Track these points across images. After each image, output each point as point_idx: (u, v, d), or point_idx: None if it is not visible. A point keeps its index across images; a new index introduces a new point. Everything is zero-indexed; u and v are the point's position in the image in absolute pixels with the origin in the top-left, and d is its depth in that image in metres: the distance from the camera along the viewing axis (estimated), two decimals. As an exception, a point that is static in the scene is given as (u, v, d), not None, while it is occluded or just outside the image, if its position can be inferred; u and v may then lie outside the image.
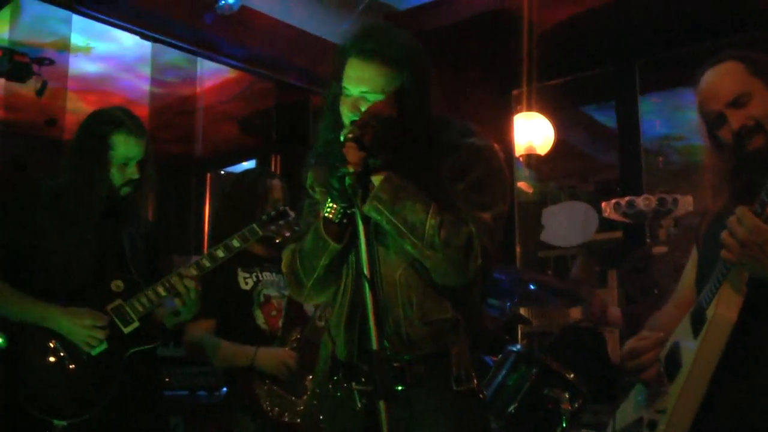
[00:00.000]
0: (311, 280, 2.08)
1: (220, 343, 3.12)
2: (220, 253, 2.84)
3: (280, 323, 3.22)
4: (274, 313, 3.24)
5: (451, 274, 1.97)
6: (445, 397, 2.00)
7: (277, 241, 3.02)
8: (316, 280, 2.08)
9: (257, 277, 3.26)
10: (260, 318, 3.21)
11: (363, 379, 1.97)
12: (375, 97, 1.98)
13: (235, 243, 2.87)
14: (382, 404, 1.70)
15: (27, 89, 5.17)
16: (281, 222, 3.00)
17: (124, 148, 2.73)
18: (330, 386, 2.09)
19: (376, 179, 1.95)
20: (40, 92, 5.10)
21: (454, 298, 2.02)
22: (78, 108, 6.04)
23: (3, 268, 2.66)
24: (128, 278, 2.76)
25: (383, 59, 1.97)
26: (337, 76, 2.04)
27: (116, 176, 2.74)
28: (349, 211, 1.96)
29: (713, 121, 2.03)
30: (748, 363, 1.92)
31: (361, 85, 1.99)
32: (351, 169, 1.84)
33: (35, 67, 5.02)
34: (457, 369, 2.00)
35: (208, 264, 2.82)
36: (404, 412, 1.98)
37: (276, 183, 3.33)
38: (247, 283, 3.23)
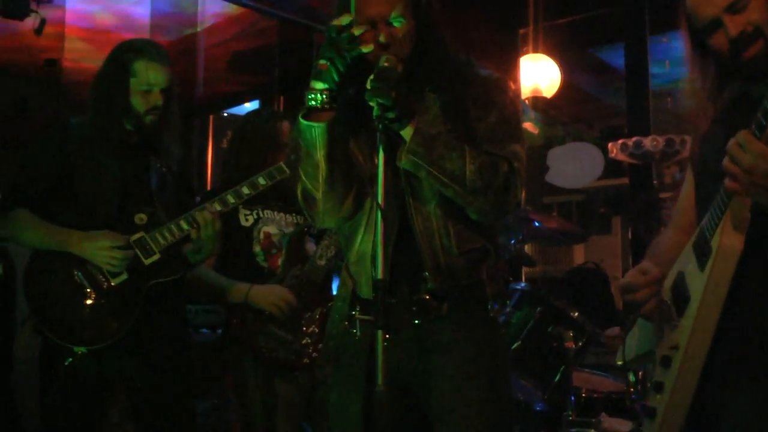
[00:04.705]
0: (319, 184, 1.99)
1: (217, 279, 3.10)
2: (245, 190, 2.84)
3: (279, 261, 3.18)
4: (274, 251, 3.20)
5: (491, 214, 1.98)
6: (476, 325, 2.03)
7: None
8: (324, 182, 1.99)
9: (258, 214, 3.21)
10: (260, 256, 3.17)
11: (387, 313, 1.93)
12: (397, 23, 1.94)
13: (261, 180, 2.86)
14: (380, 334, 1.69)
15: (24, 28, 5.09)
16: None
17: (146, 74, 2.70)
18: (347, 323, 2.08)
19: (406, 133, 1.91)
20: (38, 31, 5.02)
21: (484, 227, 2.05)
22: (76, 48, 5.95)
23: (33, 202, 2.70)
24: (152, 211, 2.75)
25: None
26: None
27: (139, 104, 2.71)
28: (333, 93, 1.90)
29: (705, 27, 1.88)
30: (757, 292, 1.87)
31: (385, 12, 1.93)
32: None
33: (33, 4, 4.93)
34: (492, 298, 2.03)
35: (232, 200, 2.82)
36: (427, 344, 2.01)
37: (286, 125, 3.27)
38: (247, 220, 3.18)
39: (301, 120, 1.94)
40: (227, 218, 3.09)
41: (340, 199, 2.04)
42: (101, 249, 2.63)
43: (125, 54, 2.74)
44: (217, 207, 2.79)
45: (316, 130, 1.93)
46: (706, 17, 1.87)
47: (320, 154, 1.96)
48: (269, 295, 3.02)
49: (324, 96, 1.91)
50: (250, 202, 3.17)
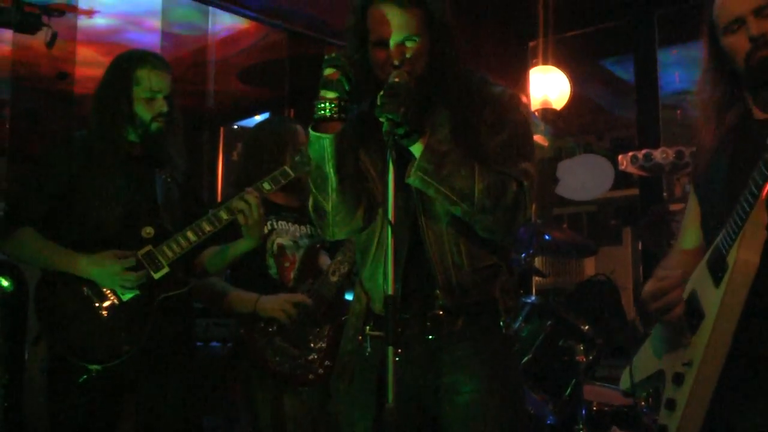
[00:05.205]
0: (329, 196, 1.99)
1: (226, 288, 3.10)
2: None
3: (292, 275, 3.17)
4: (287, 264, 3.19)
5: (499, 232, 1.98)
6: (489, 341, 2.04)
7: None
8: (334, 194, 1.98)
9: (272, 225, 3.19)
10: (273, 268, 3.16)
11: (400, 329, 1.91)
12: (411, 43, 1.95)
13: (266, 185, 2.85)
14: (390, 351, 1.70)
15: (37, 42, 5.11)
16: None
17: (149, 81, 2.70)
18: (360, 339, 2.08)
19: (416, 149, 1.91)
20: (50, 44, 5.03)
21: (496, 244, 2.05)
22: (88, 62, 5.98)
23: (38, 220, 2.70)
24: (158, 224, 2.75)
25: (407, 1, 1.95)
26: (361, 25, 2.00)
27: (144, 111, 2.71)
28: (343, 103, 1.92)
29: (728, 24, 1.92)
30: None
31: (399, 32, 1.95)
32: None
33: (45, 18, 4.95)
34: (505, 314, 2.04)
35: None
36: (440, 359, 2.01)
37: (299, 128, 3.27)
38: None
39: (311, 131, 1.95)
40: (239, 228, 3.08)
41: (350, 211, 2.03)
42: (113, 275, 2.63)
43: (127, 63, 2.75)
44: (257, 192, 2.80)
45: (325, 142, 1.93)
46: (732, 14, 1.90)
47: (330, 166, 1.96)
48: (277, 302, 3.01)
49: (333, 105, 1.91)
50: (264, 212, 3.17)
